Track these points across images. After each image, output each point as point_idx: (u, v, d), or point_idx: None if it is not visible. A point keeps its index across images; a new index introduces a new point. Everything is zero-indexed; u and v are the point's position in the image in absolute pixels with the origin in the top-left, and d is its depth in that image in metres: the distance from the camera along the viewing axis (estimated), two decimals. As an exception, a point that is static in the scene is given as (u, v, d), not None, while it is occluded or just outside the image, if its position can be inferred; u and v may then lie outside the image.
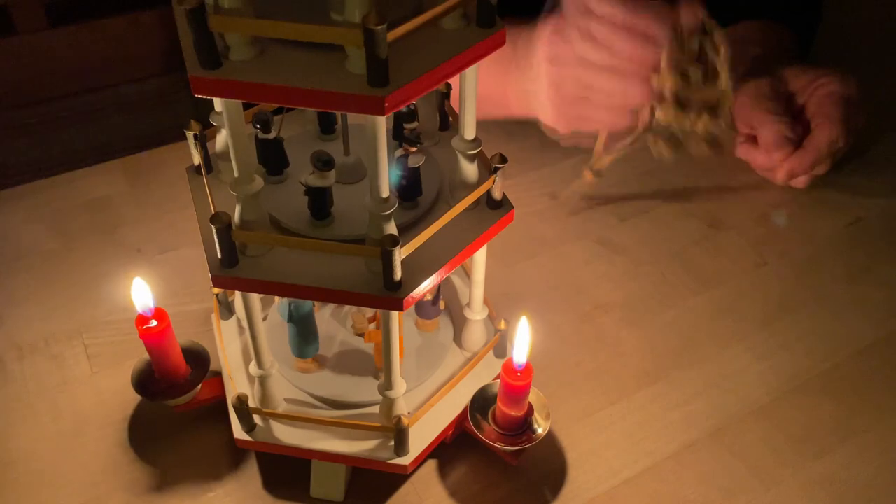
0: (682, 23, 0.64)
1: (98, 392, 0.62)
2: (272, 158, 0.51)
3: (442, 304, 0.60)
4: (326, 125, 0.56)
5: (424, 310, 0.59)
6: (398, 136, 0.52)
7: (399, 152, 0.49)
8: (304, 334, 0.55)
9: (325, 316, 0.61)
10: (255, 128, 0.50)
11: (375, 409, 0.55)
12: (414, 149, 0.48)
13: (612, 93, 0.66)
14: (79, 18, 1.21)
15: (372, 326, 0.57)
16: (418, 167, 0.49)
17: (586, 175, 0.75)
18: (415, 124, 0.50)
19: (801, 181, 0.80)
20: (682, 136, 0.68)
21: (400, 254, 0.43)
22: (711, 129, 0.67)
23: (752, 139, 0.80)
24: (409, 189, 0.50)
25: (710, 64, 0.65)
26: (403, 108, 0.49)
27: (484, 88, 0.75)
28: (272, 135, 0.50)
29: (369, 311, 0.58)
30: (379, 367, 0.57)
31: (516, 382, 0.52)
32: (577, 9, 0.66)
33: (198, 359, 0.58)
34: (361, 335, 0.57)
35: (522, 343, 0.52)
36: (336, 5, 0.40)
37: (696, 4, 0.65)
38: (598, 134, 0.72)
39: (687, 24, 0.64)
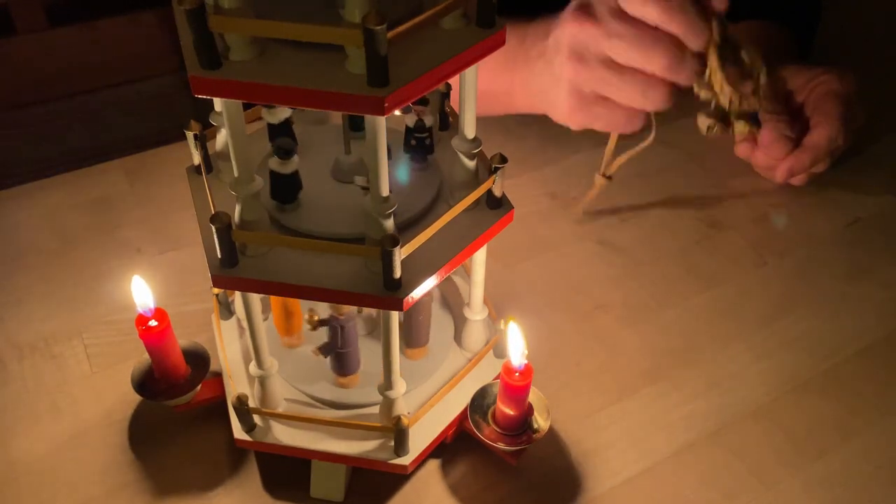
0: (716, 14, 0.62)
1: (98, 392, 0.62)
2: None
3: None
4: (355, 122, 0.54)
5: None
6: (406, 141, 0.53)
7: (411, 117, 0.50)
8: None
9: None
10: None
11: (375, 410, 0.55)
12: (424, 108, 0.50)
13: (634, 97, 0.64)
14: (79, 18, 1.21)
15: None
16: (431, 126, 0.51)
17: (598, 180, 0.74)
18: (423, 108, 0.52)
19: (800, 179, 0.80)
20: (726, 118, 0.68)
21: (400, 254, 0.43)
22: (754, 108, 0.67)
23: (751, 138, 0.80)
24: (424, 149, 0.51)
25: (740, 49, 0.64)
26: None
27: (489, 83, 0.74)
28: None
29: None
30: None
31: (516, 382, 0.52)
32: (605, 5, 0.64)
33: (198, 359, 0.58)
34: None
35: (516, 346, 0.52)
36: (341, 4, 0.40)
37: None
38: (609, 136, 0.71)
39: (719, 13, 0.63)
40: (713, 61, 0.63)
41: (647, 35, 0.62)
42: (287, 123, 0.52)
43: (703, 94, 0.65)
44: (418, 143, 0.51)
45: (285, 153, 0.47)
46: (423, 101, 0.51)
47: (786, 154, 0.77)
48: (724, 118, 0.69)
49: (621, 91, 0.65)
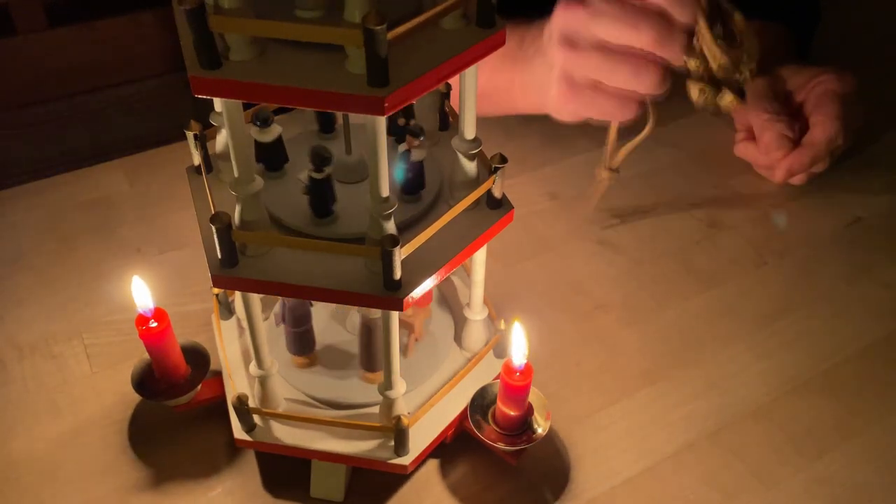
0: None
1: (98, 392, 0.62)
2: (271, 154, 0.51)
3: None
4: (326, 124, 0.56)
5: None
6: (395, 132, 0.52)
7: (402, 146, 0.49)
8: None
9: (324, 317, 0.61)
10: (256, 125, 0.50)
11: (375, 409, 0.55)
12: (417, 142, 0.48)
13: (627, 80, 0.64)
14: (79, 18, 1.21)
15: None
16: (422, 161, 0.49)
17: (601, 174, 0.73)
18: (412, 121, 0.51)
19: (799, 179, 0.80)
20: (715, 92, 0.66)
21: (400, 254, 0.43)
22: (741, 85, 0.66)
23: (751, 138, 0.80)
24: (413, 183, 0.50)
25: (730, 27, 0.64)
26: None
27: (489, 84, 0.74)
28: (270, 136, 0.50)
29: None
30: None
31: (516, 382, 0.52)
32: None
33: (198, 359, 0.58)
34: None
35: (518, 346, 0.52)
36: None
37: None
38: (608, 129, 0.71)
39: None
40: (701, 25, 0.62)
41: (635, 10, 0.62)
42: (279, 141, 0.51)
43: (692, 64, 0.64)
44: (407, 174, 0.50)
45: (322, 161, 0.46)
46: (417, 133, 0.49)
47: (785, 154, 0.77)
48: (714, 84, 0.68)
49: (613, 73, 0.64)
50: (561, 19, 0.67)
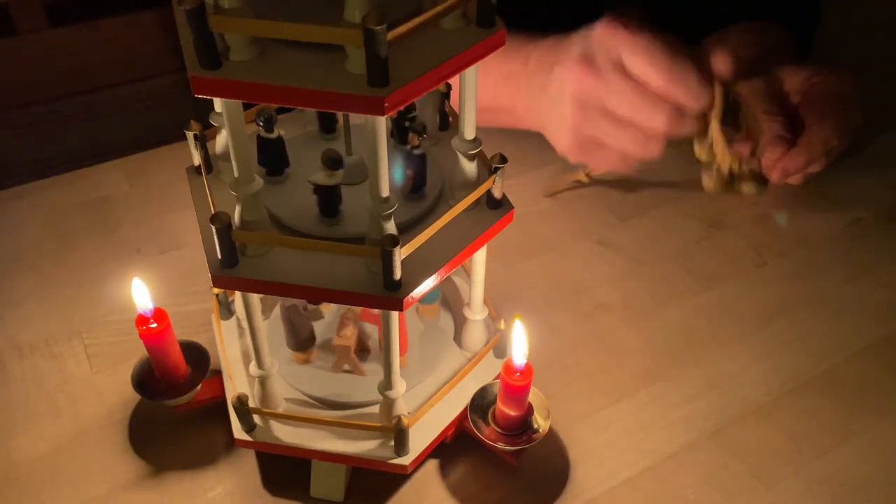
0: (719, 80, 0.65)
1: (98, 392, 0.62)
2: (273, 158, 0.51)
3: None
4: (327, 125, 0.55)
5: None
6: (397, 130, 0.52)
7: (405, 145, 0.49)
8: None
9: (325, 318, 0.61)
10: (258, 125, 0.50)
11: (375, 409, 0.55)
12: (419, 140, 0.49)
13: (631, 147, 0.67)
14: (79, 18, 1.21)
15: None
16: (424, 159, 0.49)
17: (578, 173, 0.76)
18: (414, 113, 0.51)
19: (796, 179, 0.80)
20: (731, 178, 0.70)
21: (400, 254, 0.43)
22: (755, 168, 0.69)
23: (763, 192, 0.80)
24: (416, 180, 0.50)
25: (742, 109, 0.67)
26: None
27: (493, 100, 0.76)
28: (275, 134, 0.50)
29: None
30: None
31: (516, 382, 0.52)
32: (609, 60, 0.65)
33: (198, 359, 0.58)
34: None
35: (519, 344, 0.52)
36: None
37: (726, 54, 0.66)
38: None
39: (723, 78, 0.65)
40: (714, 129, 0.65)
41: (649, 96, 0.64)
42: (281, 144, 0.51)
43: (705, 157, 0.67)
44: (408, 171, 0.50)
45: (333, 163, 0.46)
46: (422, 130, 0.49)
47: (781, 154, 0.77)
48: (727, 179, 0.70)
49: (619, 140, 0.67)
50: (574, 81, 0.68)
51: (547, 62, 0.72)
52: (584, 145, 0.70)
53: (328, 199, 0.48)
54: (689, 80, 0.63)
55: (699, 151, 0.67)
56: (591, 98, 0.67)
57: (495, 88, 0.75)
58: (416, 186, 0.50)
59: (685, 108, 0.64)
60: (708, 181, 0.70)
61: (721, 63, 0.66)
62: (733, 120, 0.67)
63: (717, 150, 0.66)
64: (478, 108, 0.48)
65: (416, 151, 0.49)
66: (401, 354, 0.57)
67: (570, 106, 0.68)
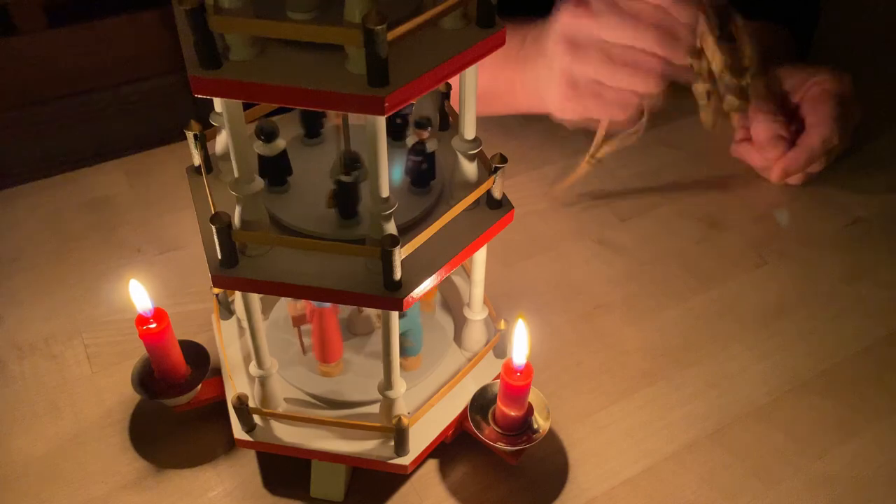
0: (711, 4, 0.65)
1: (98, 392, 0.62)
2: (276, 171, 0.50)
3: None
4: (312, 129, 0.55)
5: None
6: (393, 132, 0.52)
7: (413, 139, 0.50)
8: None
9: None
10: (260, 139, 0.49)
11: (375, 409, 0.55)
12: (426, 133, 0.49)
13: (627, 80, 0.66)
14: (79, 18, 1.21)
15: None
16: (434, 151, 0.50)
17: (583, 164, 0.75)
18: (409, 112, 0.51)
19: (796, 179, 0.80)
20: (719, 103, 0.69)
21: (400, 254, 0.43)
22: (746, 89, 0.68)
23: (749, 138, 0.80)
24: (425, 174, 0.50)
25: (730, 30, 0.66)
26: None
27: (492, 85, 0.75)
28: (278, 148, 0.49)
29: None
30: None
31: (516, 382, 0.52)
32: (602, 1, 0.66)
33: (198, 359, 0.58)
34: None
35: (520, 344, 0.52)
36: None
37: None
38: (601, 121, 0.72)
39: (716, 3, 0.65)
40: (703, 27, 0.64)
41: (643, 23, 0.64)
42: (284, 154, 0.51)
43: (696, 64, 0.66)
44: (415, 167, 0.50)
45: (353, 162, 0.46)
46: (425, 124, 0.50)
47: (781, 154, 0.77)
48: (721, 100, 0.70)
49: (613, 74, 0.66)
50: (564, 21, 0.68)
51: (542, 31, 0.72)
52: (578, 91, 0.68)
53: (346, 199, 0.47)
54: None
55: (691, 57, 0.66)
56: (581, 31, 0.67)
57: (493, 70, 0.74)
58: (425, 179, 0.50)
59: (675, 18, 0.64)
60: (705, 116, 0.69)
61: None
62: (724, 34, 0.66)
63: (708, 50, 0.65)
64: (477, 94, 0.48)
65: (429, 148, 0.49)
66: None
67: (562, 47, 0.68)
